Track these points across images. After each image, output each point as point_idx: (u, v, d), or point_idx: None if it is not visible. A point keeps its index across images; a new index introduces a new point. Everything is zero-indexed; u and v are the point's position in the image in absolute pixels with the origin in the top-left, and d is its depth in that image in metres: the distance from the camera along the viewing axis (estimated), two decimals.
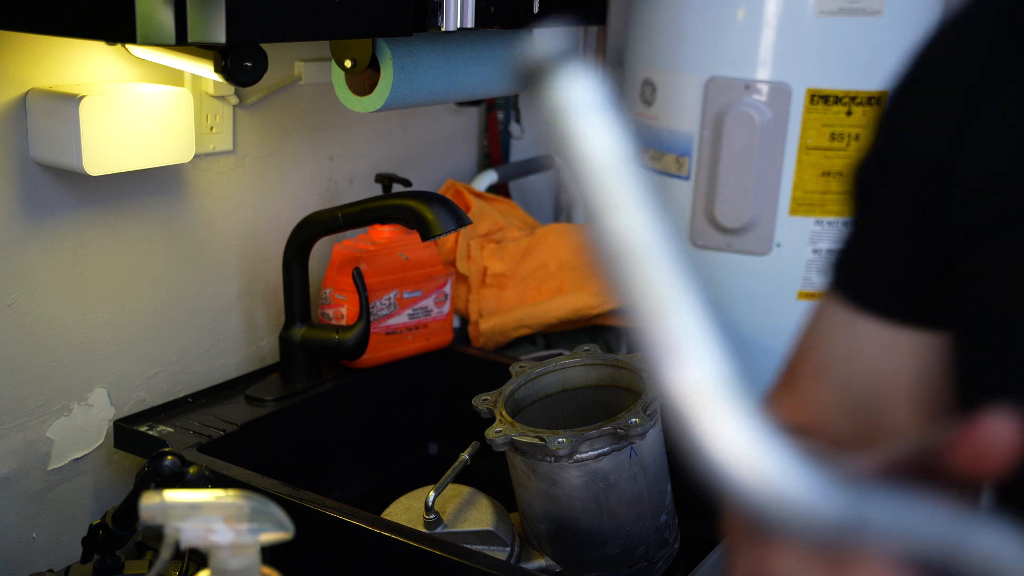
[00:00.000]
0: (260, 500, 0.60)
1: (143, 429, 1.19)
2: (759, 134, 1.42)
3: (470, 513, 1.14)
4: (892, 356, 0.63)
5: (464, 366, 1.47)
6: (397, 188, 1.46)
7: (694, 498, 0.67)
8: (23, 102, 1.07)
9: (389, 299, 1.39)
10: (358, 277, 1.29)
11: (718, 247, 1.47)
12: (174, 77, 1.20)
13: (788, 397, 0.67)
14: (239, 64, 1.02)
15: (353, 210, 1.26)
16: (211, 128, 1.27)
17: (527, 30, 1.38)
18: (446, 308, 1.46)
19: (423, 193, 1.22)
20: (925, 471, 0.39)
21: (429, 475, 1.22)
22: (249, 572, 0.60)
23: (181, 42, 0.87)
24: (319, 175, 1.45)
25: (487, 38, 1.33)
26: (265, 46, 1.05)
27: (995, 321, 0.58)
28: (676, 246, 0.37)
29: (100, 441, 1.21)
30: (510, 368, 1.21)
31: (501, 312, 1.53)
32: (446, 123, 1.72)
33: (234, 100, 1.29)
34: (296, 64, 1.36)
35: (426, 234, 1.19)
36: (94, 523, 1.00)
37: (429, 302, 1.43)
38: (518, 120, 1.87)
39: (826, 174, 1.40)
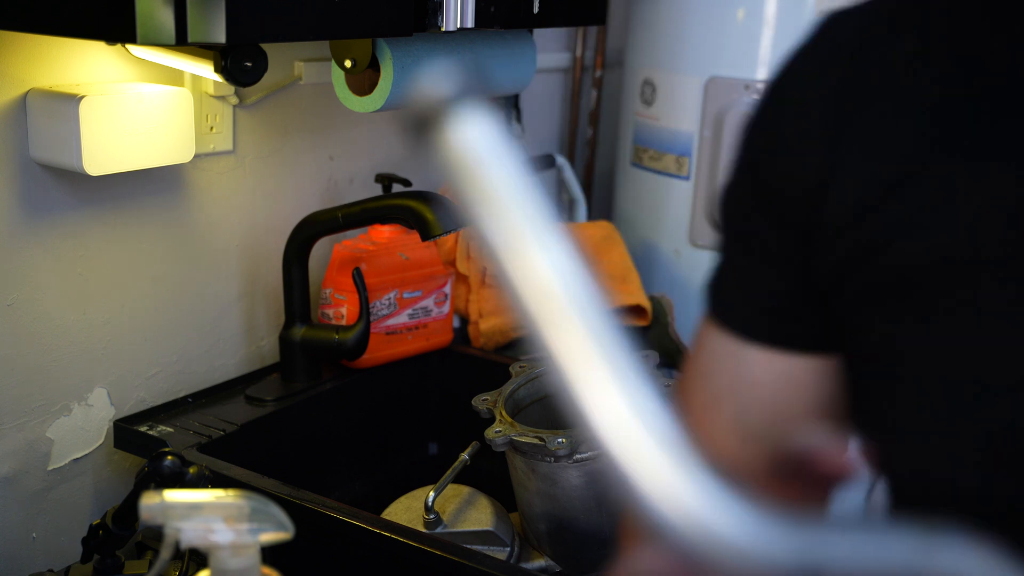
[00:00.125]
0: (260, 500, 0.60)
1: (143, 429, 1.19)
2: None
3: (470, 513, 1.15)
4: (783, 382, 0.62)
5: (464, 366, 1.47)
6: (397, 188, 1.46)
7: None
8: (23, 102, 1.07)
9: (389, 299, 1.39)
10: (358, 277, 1.29)
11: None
12: (174, 77, 1.20)
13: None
14: (239, 64, 1.02)
15: (353, 210, 1.26)
16: (211, 128, 1.27)
17: (527, 30, 1.38)
18: (446, 308, 1.46)
19: (423, 193, 1.22)
20: (796, 472, 0.38)
21: (429, 475, 1.22)
22: (249, 572, 0.60)
23: (181, 42, 0.87)
24: (319, 175, 1.45)
25: (487, 38, 1.33)
26: (265, 46, 1.05)
27: (878, 347, 0.58)
28: (583, 289, 0.36)
29: (100, 441, 1.21)
30: (510, 368, 1.21)
31: (501, 312, 1.53)
32: None
33: (234, 100, 1.29)
34: (296, 64, 1.36)
35: (426, 234, 1.19)
36: (94, 523, 1.00)
37: (429, 302, 1.43)
38: (518, 120, 1.87)
39: None
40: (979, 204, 0.53)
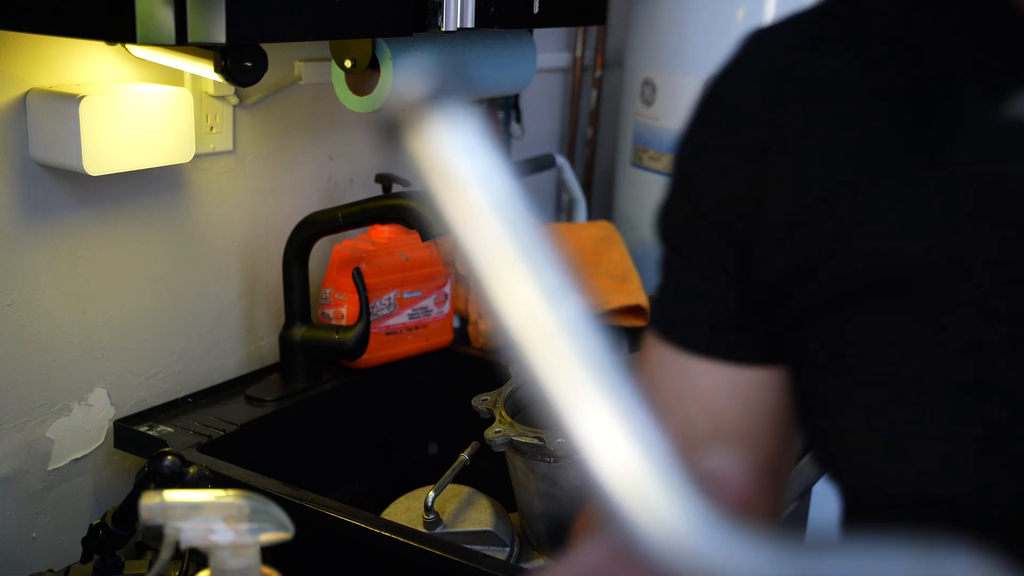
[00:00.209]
0: (260, 500, 0.60)
1: (143, 429, 1.19)
2: None
3: (470, 513, 1.15)
4: (730, 394, 0.62)
5: (464, 366, 1.47)
6: (397, 188, 1.46)
7: None
8: (23, 102, 1.07)
9: (389, 299, 1.39)
10: (358, 277, 1.29)
11: None
12: (174, 77, 1.20)
13: None
14: (239, 64, 1.02)
15: (353, 210, 1.26)
16: (211, 128, 1.27)
17: (527, 30, 1.38)
18: (446, 308, 1.46)
19: (423, 193, 1.22)
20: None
21: (429, 475, 1.22)
22: (249, 572, 0.60)
23: (181, 42, 0.87)
24: (319, 175, 1.45)
25: (487, 38, 1.33)
26: (265, 46, 1.05)
27: (825, 358, 0.58)
28: (566, 304, 0.33)
29: (100, 441, 1.21)
30: (510, 368, 1.21)
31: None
32: None
33: (234, 100, 1.29)
34: (296, 64, 1.36)
35: (426, 234, 1.19)
36: (94, 523, 1.00)
37: (429, 302, 1.43)
38: (518, 120, 1.87)
39: None
40: (912, 214, 0.53)
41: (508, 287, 0.33)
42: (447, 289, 1.45)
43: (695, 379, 0.63)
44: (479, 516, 1.14)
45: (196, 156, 1.23)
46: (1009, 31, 0.50)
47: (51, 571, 1.06)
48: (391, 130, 0.34)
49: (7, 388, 1.11)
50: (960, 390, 0.52)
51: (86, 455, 1.20)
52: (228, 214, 1.32)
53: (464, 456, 1.16)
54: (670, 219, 0.64)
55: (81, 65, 1.11)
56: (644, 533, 0.31)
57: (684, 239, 0.63)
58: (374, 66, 1.20)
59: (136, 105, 1.09)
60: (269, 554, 0.62)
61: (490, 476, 1.25)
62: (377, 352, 1.38)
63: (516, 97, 1.85)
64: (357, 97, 1.23)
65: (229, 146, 1.30)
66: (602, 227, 1.72)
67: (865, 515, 0.61)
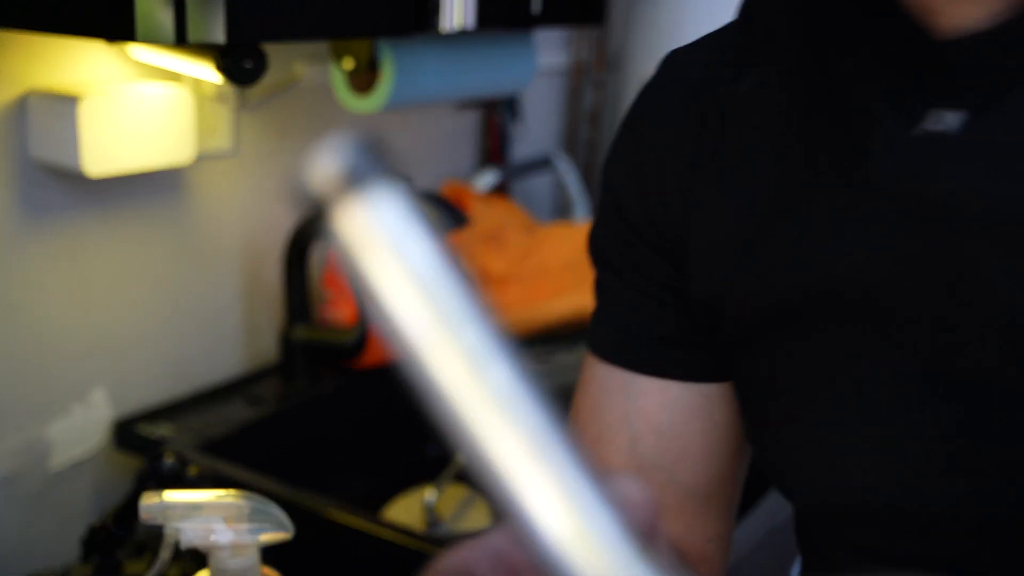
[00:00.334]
0: (260, 500, 0.60)
1: (143, 429, 1.19)
2: None
3: (469, 513, 1.15)
4: (676, 410, 0.62)
5: None
6: None
7: None
8: (23, 102, 1.07)
9: None
10: None
11: None
12: (174, 78, 1.20)
13: None
14: (239, 64, 1.02)
15: None
16: (211, 128, 1.27)
17: (526, 31, 1.38)
18: None
19: (422, 193, 1.22)
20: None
21: (429, 475, 1.22)
22: (249, 572, 0.60)
23: (181, 42, 0.87)
24: None
25: (487, 38, 1.33)
26: (265, 46, 1.05)
27: (759, 379, 0.58)
28: (511, 388, 0.28)
29: (100, 441, 1.21)
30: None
31: (501, 312, 1.53)
32: (446, 123, 1.72)
33: (234, 100, 1.29)
34: (296, 64, 1.36)
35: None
36: (94, 523, 1.00)
37: None
38: (519, 121, 1.87)
39: None
40: (836, 235, 0.53)
41: (439, 373, 0.28)
42: None
43: (640, 398, 0.62)
44: (479, 516, 1.14)
45: (196, 156, 1.23)
46: (915, 47, 0.50)
47: (51, 571, 1.06)
48: (313, 211, 0.29)
49: (7, 388, 1.11)
50: (902, 403, 0.52)
51: (86, 455, 1.20)
52: (228, 214, 1.32)
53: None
54: (603, 240, 0.64)
55: (81, 65, 1.11)
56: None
57: (619, 259, 0.63)
58: (374, 66, 1.20)
59: (136, 105, 1.09)
60: (269, 554, 0.62)
61: None
62: (377, 352, 1.38)
63: (516, 98, 1.85)
64: (357, 98, 1.23)
65: (229, 146, 1.30)
66: None
67: (816, 527, 0.61)
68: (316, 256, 1.38)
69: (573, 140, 2.08)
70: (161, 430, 1.19)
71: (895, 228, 0.51)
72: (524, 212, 1.73)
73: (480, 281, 1.56)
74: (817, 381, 0.55)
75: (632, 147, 0.63)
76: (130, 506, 0.95)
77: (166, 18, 0.86)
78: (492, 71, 1.35)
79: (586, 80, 2.07)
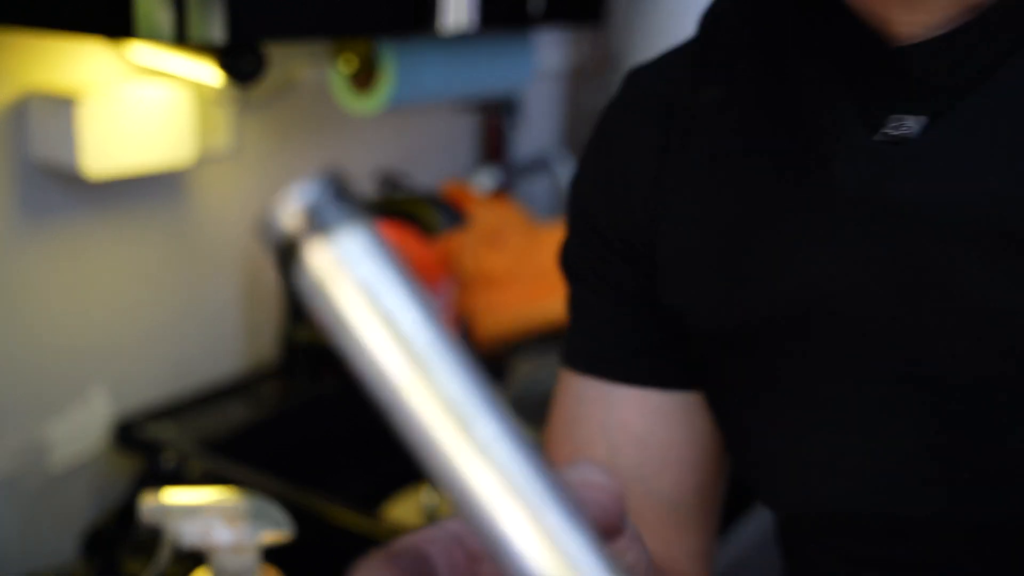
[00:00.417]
0: (260, 500, 0.60)
1: (143, 429, 1.19)
2: None
3: None
4: (655, 419, 0.62)
5: None
6: (397, 188, 1.46)
7: None
8: (23, 102, 1.07)
9: None
10: None
11: None
12: (174, 79, 1.20)
13: None
14: (239, 64, 1.02)
15: None
16: (211, 129, 1.27)
17: (525, 32, 1.38)
18: (446, 309, 1.46)
19: (422, 193, 1.22)
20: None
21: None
22: (249, 572, 0.60)
23: (180, 41, 0.87)
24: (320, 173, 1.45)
25: (488, 38, 1.33)
26: (265, 46, 1.05)
27: (734, 389, 0.58)
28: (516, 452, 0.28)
29: (100, 441, 1.21)
30: (510, 368, 1.21)
31: (501, 312, 1.53)
32: (446, 123, 1.72)
33: (234, 100, 1.29)
34: (296, 64, 1.36)
35: (426, 234, 1.19)
36: (94, 524, 1.00)
37: None
38: (518, 122, 1.87)
39: None
40: (803, 246, 0.53)
41: (409, 411, 0.28)
42: (447, 290, 1.46)
43: (618, 409, 0.62)
44: None
45: (196, 157, 1.23)
46: (872, 54, 0.50)
47: (50, 572, 1.06)
48: (281, 255, 0.28)
49: (7, 388, 1.11)
50: (881, 410, 0.52)
51: (86, 455, 1.20)
52: (228, 215, 1.32)
53: None
54: (575, 254, 0.65)
55: (81, 65, 1.11)
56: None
57: (591, 271, 0.63)
58: (374, 67, 1.20)
59: (136, 106, 1.09)
60: (269, 554, 0.62)
61: None
62: None
63: (515, 98, 1.85)
64: (357, 98, 1.23)
65: (229, 147, 1.30)
66: None
67: (799, 536, 0.61)
68: None
69: (573, 141, 2.08)
70: (161, 430, 1.19)
71: (861, 237, 0.51)
72: (524, 212, 1.73)
73: (480, 282, 1.56)
74: (794, 391, 0.55)
75: (599, 164, 0.63)
76: (130, 506, 0.95)
77: (166, 16, 0.86)
78: (491, 72, 1.35)
79: (586, 81, 2.07)
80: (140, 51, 1.13)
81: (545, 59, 1.91)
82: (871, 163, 0.50)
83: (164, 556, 0.58)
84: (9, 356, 1.11)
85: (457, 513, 0.29)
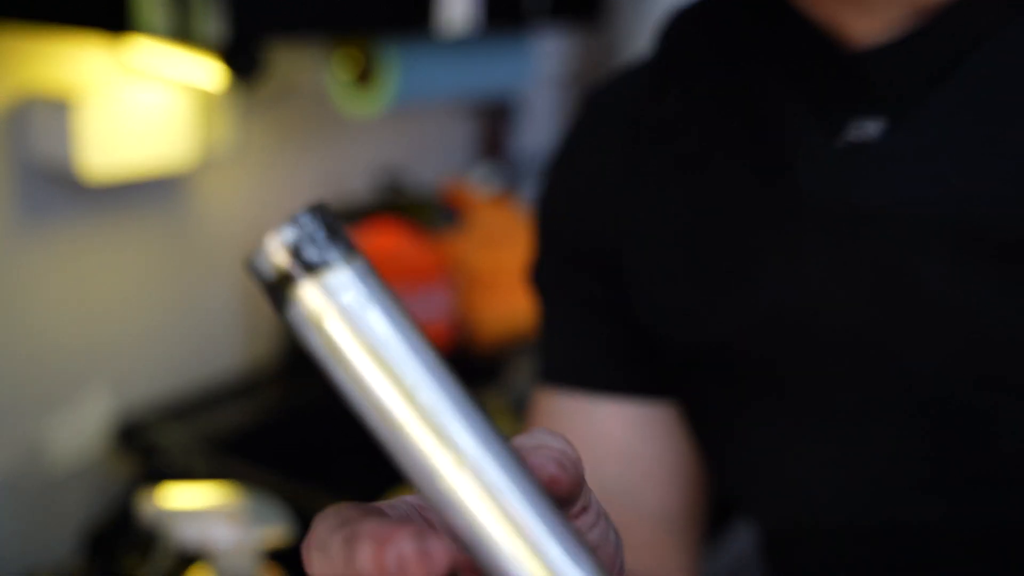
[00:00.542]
0: (260, 500, 0.60)
1: (143, 430, 1.19)
2: None
3: None
4: (636, 430, 0.61)
5: (464, 366, 1.47)
6: (396, 189, 1.46)
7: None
8: (23, 105, 1.07)
9: None
10: None
11: None
12: (173, 82, 1.20)
13: None
14: (239, 63, 1.02)
15: (353, 209, 1.26)
16: (210, 132, 1.27)
17: (525, 34, 1.39)
18: (446, 308, 1.46)
19: (421, 194, 1.23)
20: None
21: None
22: (249, 572, 0.60)
23: (180, 39, 0.87)
24: (319, 176, 1.45)
25: (488, 39, 1.33)
26: (266, 47, 1.05)
27: (709, 402, 0.58)
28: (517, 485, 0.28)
29: (100, 441, 1.21)
30: (510, 369, 1.21)
31: (501, 313, 1.54)
32: (446, 123, 1.72)
33: (234, 101, 1.29)
34: (296, 65, 1.37)
35: (425, 234, 1.19)
36: (94, 523, 1.00)
37: (429, 302, 1.44)
38: (519, 120, 1.87)
39: None
40: (772, 260, 0.53)
41: (402, 442, 0.29)
42: (446, 290, 1.46)
43: (599, 422, 0.61)
44: None
45: (196, 157, 1.23)
46: (829, 60, 0.51)
47: (50, 571, 1.06)
48: (273, 294, 0.28)
49: (6, 388, 1.11)
50: (862, 420, 0.52)
51: (86, 456, 1.20)
52: (228, 215, 1.33)
53: None
54: (544, 270, 0.64)
55: (81, 67, 1.12)
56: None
57: (563, 286, 0.63)
58: (374, 68, 1.20)
59: (136, 107, 1.10)
60: (270, 554, 0.63)
61: None
62: None
63: (516, 101, 1.85)
64: (357, 99, 1.23)
65: (229, 148, 1.30)
66: None
67: (784, 549, 0.61)
68: None
69: None
70: (162, 431, 1.19)
71: (828, 244, 0.51)
72: (524, 214, 1.74)
73: (481, 283, 1.56)
74: (770, 403, 0.55)
75: (565, 181, 0.63)
76: (130, 506, 0.95)
77: (165, 14, 0.86)
78: (491, 73, 1.35)
79: (586, 83, 2.07)
80: (140, 53, 1.13)
81: (545, 62, 1.91)
82: (834, 169, 0.50)
83: (164, 556, 0.58)
84: (9, 357, 1.11)
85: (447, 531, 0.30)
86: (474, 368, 1.47)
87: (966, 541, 0.51)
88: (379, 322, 0.28)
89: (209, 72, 1.05)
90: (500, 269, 1.56)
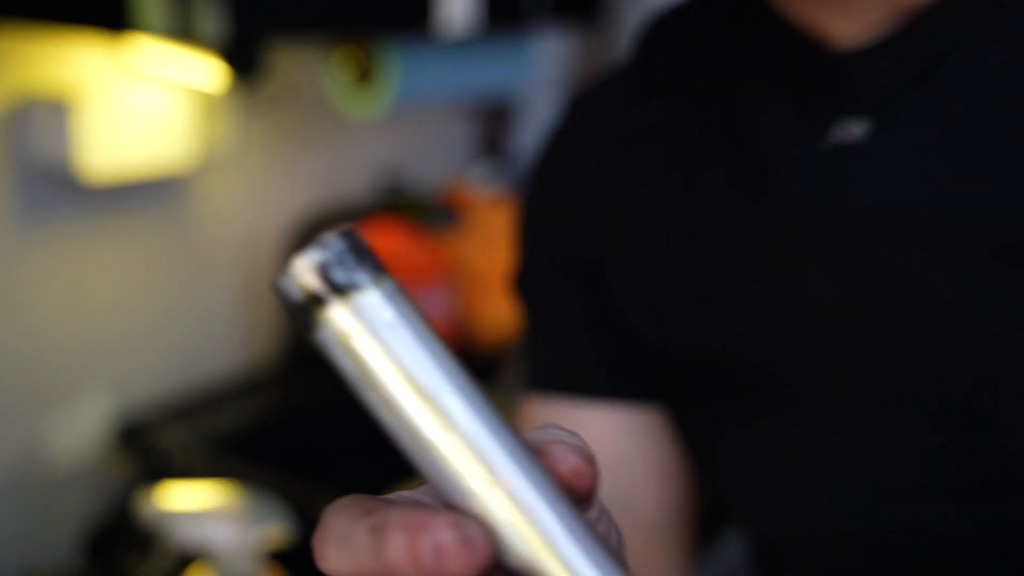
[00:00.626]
0: (261, 499, 0.60)
1: (143, 430, 1.19)
2: None
3: None
4: (627, 436, 0.61)
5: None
6: (396, 189, 1.46)
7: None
8: (22, 104, 1.07)
9: None
10: None
11: None
12: (173, 83, 1.20)
13: None
14: (240, 63, 1.02)
15: (353, 210, 1.26)
16: (211, 129, 1.27)
17: (527, 33, 1.39)
18: (446, 308, 1.46)
19: (421, 194, 1.23)
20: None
21: None
22: (249, 572, 0.60)
23: (181, 39, 0.87)
24: (319, 175, 1.45)
25: (488, 39, 1.33)
26: (266, 47, 1.05)
27: (690, 413, 0.58)
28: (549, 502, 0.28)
29: (100, 441, 1.21)
30: (509, 368, 1.21)
31: (501, 313, 1.54)
32: (446, 123, 1.72)
33: (234, 101, 1.29)
34: (296, 65, 1.37)
35: (425, 234, 1.19)
36: (94, 523, 1.00)
37: (428, 302, 1.44)
38: (519, 120, 1.87)
39: None
40: (757, 265, 0.52)
41: (433, 460, 0.29)
42: (447, 289, 1.46)
43: (588, 428, 0.61)
44: None
45: (196, 157, 1.23)
46: (811, 62, 0.50)
47: (50, 571, 1.06)
48: (299, 318, 0.28)
49: (6, 389, 1.11)
50: (848, 425, 0.52)
51: (86, 456, 1.20)
52: (228, 215, 1.33)
53: None
54: (528, 279, 0.64)
55: (81, 66, 1.12)
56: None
57: (547, 293, 0.63)
58: (374, 68, 1.20)
59: (135, 107, 1.10)
60: (270, 554, 0.62)
61: None
62: None
63: (516, 101, 1.85)
64: (357, 100, 1.23)
65: (229, 147, 1.30)
66: None
67: (776, 556, 0.60)
68: None
69: None
70: (162, 431, 1.19)
71: (816, 247, 0.50)
72: None
73: (481, 283, 1.56)
74: (760, 410, 0.55)
75: (546, 188, 0.63)
76: (130, 506, 0.95)
77: (166, 14, 0.86)
78: (491, 74, 1.35)
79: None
80: (139, 53, 1.13)
81: (545, 62, 1.91)
82: (820, 171, 0.50)
83: (164, 556, 0.58)
84: (9, 357, 1.11)
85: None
86: (474, 368, 1.47)
87: (967, 544, 0.50)
88: (410, 343, 0.28)
89: (209, 72, 1.05)
90: (500, 269, 1.56)
